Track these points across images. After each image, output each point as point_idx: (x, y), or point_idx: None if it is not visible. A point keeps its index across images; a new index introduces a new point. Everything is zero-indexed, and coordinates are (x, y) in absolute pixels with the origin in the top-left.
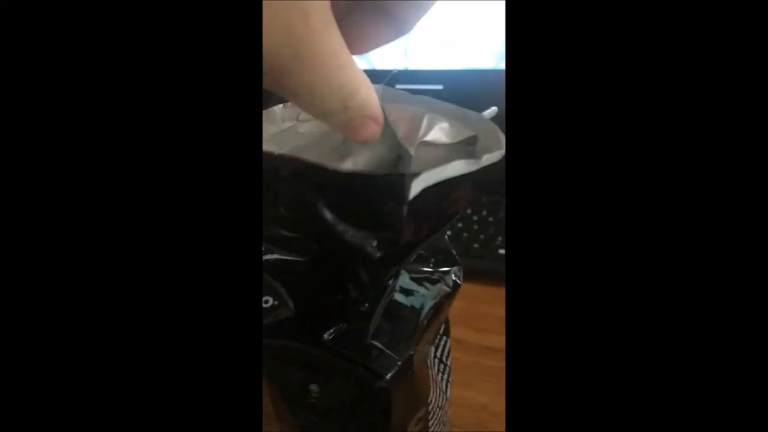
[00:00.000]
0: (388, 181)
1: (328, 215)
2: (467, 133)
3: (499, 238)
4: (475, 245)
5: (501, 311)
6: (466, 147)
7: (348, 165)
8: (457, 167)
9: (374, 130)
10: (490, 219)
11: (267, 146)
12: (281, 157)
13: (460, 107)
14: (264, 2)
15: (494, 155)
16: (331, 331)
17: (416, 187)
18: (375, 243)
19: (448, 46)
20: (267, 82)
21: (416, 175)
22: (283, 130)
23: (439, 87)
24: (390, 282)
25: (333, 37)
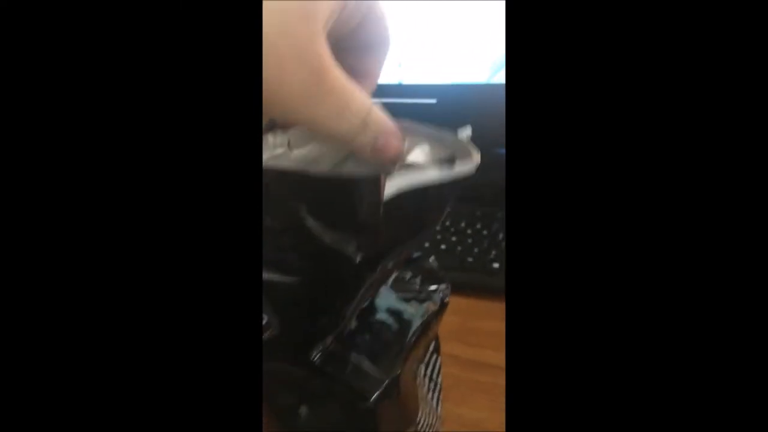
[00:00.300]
0: (364, 182)
1: (310, 220)
2: (445, 153)
3: (493, 252)
4: (469, 259)
5: (495, 326)
6: (442, 164)
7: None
8: (431, 174)
9: (398, 146)
10: (484, 232)
11: None
12: (264, 170)
13: (437, 128)
14: (283, 45)
15: (466, 167)
16: (319, 350)
17: (391, 188)
18: (354, 246)
19: (441, 60)
20: (286, 114)
21: (391, 177)
22: (274, 155)
23: (433, 101)
24: (374, 299)
25: (340, 71)
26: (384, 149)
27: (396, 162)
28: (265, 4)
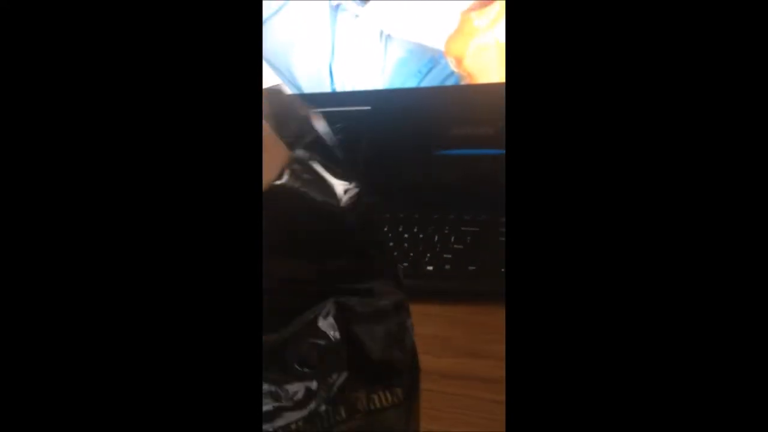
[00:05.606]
0: None
1: None
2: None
3: (428, 255)
4: (405, 264)
5: (436, 330)
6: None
7: None
8: None
9: None
10: (421, 236)
11: None
12: None
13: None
14: None
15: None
16: None
17: None
18: None
19: (374, 66)
20: None
21: None
22: None
23: (368, 108)
24: None
25: None
26: None
27: None
28: None
